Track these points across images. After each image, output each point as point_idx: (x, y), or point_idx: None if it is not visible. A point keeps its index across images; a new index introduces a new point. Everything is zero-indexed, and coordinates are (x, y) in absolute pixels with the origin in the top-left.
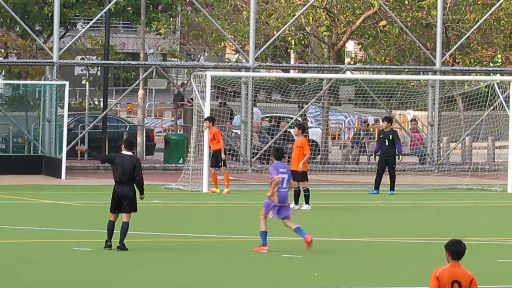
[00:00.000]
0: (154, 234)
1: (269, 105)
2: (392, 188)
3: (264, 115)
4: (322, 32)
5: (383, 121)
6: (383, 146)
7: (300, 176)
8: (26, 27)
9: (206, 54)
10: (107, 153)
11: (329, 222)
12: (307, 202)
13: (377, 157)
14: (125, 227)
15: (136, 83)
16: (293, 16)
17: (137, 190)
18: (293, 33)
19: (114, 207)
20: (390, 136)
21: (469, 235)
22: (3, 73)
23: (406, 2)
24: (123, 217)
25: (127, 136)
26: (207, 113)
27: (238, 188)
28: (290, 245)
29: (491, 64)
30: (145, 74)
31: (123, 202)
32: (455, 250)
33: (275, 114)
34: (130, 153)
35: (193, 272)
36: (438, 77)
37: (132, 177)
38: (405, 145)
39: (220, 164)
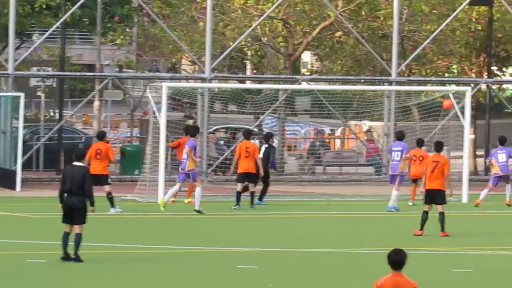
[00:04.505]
0: (109, 246)
1: (225, 116)
2: (260, 199)
3: (220, 126)
4: (279, 43)
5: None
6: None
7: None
8: None
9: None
10: (62, 164)
11: (284, 233)
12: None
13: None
14: (77, 239)
15: (92, 94)
16: (250, 27)
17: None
18: (249, 44)
19: (66, 218)
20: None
21: (423, 245)
22: None
23: (363, 13)
24: (75, 228)
25: (80, 147)
26: (163, 125)
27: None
28: (244, 256)
29: (447, 75)
30: (100, 86)
31: (73, 213)
32: (393, 259)
33: (231, 125)
34: (80, 164)
35: (148, 283)
36: (393, 87)
37: (82, 188)
38: (361, 156)
39: None
